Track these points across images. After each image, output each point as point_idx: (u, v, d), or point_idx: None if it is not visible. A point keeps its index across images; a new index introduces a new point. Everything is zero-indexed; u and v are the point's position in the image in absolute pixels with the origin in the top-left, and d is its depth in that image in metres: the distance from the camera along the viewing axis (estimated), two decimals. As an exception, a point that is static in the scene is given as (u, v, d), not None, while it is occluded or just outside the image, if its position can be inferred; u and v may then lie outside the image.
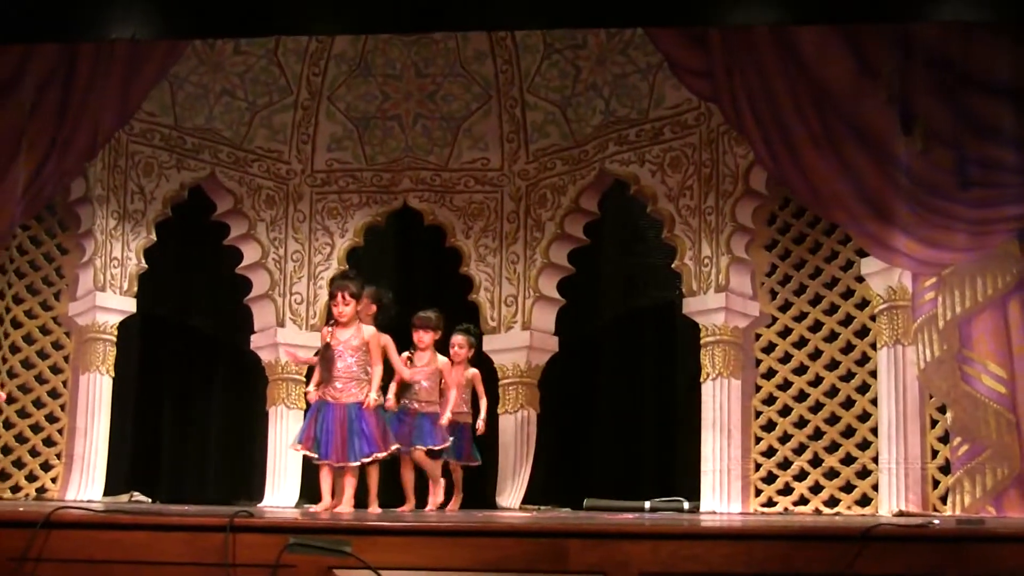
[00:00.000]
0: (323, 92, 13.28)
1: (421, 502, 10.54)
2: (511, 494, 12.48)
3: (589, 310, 13.04)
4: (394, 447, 9.38)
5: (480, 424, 11.17)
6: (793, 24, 9.95)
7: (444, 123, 13.33)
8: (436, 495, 10.40)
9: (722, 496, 11.11)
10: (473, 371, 11.25)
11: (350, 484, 8.90)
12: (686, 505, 11.34)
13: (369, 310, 9.57)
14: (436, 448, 10.24)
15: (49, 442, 11.95)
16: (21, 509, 6.37)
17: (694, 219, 11.70)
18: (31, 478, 11.75)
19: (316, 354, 9.44)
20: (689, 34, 10.96)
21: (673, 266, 11.84)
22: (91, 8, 9.82)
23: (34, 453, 11.78)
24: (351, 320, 8.97)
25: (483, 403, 11.27)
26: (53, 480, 11.89)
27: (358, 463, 8.83)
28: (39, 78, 11.08)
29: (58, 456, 11.96)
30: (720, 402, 11.31)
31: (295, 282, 13.19)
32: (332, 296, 9.14)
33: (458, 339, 11.07)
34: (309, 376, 9.76)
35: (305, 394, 9.48)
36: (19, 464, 11.40)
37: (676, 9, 9.68)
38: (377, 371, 8.97)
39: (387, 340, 9.59)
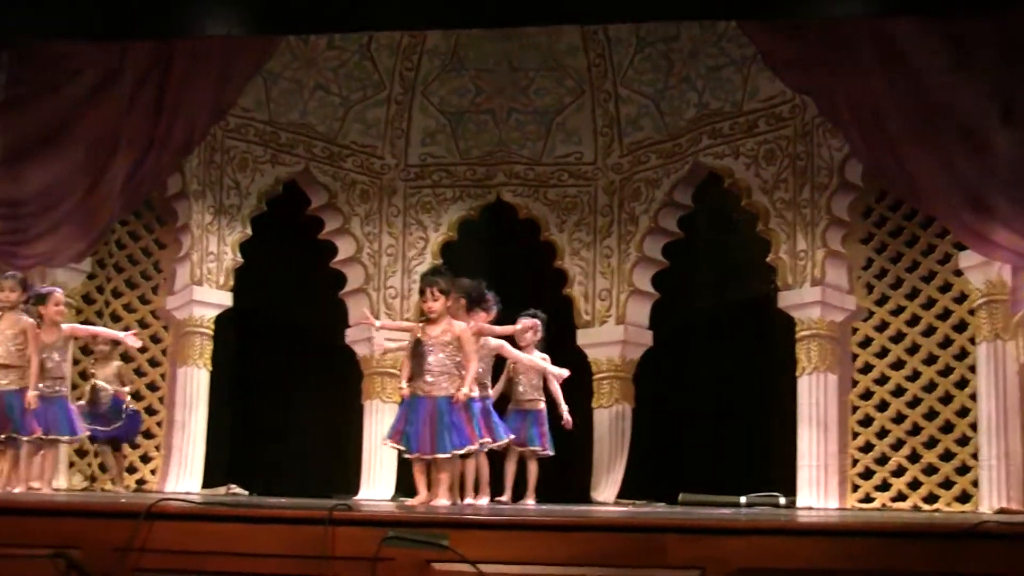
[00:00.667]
0: (416, 87, 13.35)
1: (518, 495, 10.54)
2: (606, 488, 12.47)
3: (683, 304, 13.03)
4: (485, 440, 9.36)
5: (567, 416, 10.79)
6: (888, 16, 9.83)
7: (537, 117, 13.35)
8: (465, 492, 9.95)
9: (819, 492, 11.04)
10: (543, 356, 10.91)
11: (445, 477, 8.89)
12: (782, 500, 11.29)
13: (459, 304, 9.53)
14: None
15: (148, 435, 12.13)
16: (123, 501, 6.44)
17: (789, 212, 11.63)
18: (131, 470, 11.91)
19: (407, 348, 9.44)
20: (784, 26, 10.85)
21: (768, 260, 11.77)
22: (187, 5, 9.92)
23: (133, 445, 11.90)
24: (441, 316, 8.96)
25: (558, 395, 10.80)
26: (152, 472, 12.08)
27: (448, 456, 8.81)
28: (137, 75, 11.23)
29: (157, 448, 12.14)
30: (816, 397, 11.24)
31: (389, 276, 13.27)
32: (422, 292, 9.12)
33: (527, 322, 10.70)
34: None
35: (400, 390, 9.49)
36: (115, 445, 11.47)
37: (770, 3, 9.63)
38: (472, 367, 8.94)
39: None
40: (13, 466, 9.55)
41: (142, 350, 11.84)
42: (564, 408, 10.77)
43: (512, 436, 9.88)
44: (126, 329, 11.25)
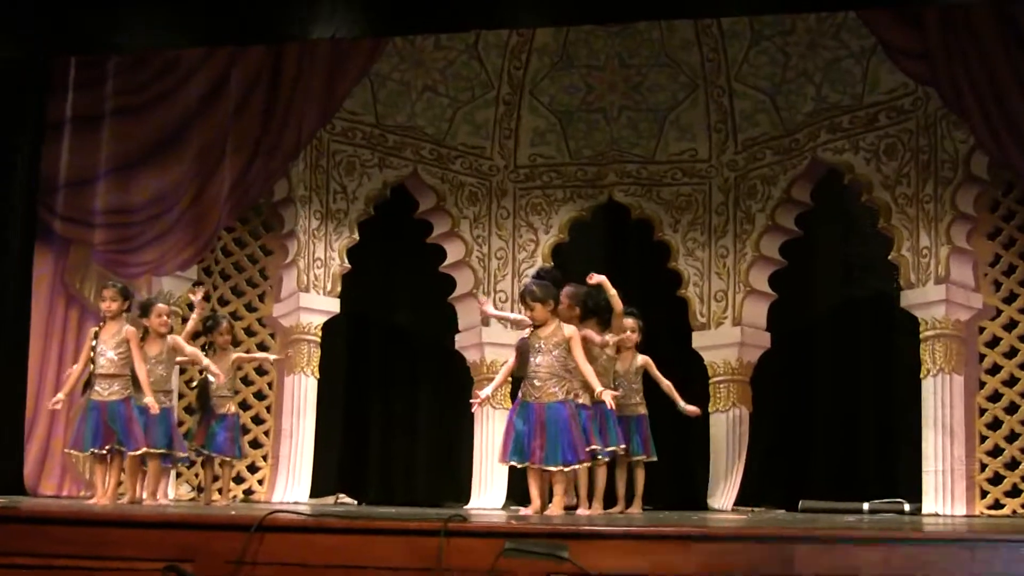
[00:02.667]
0: (525, 86, 13.31)
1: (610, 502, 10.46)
2: (723, 495, 12.35)
3: (802, 304, 12.84)
4: (595, 450, 9.29)
5: (687, 408, 10.62)
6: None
7: (650, 114, 13.24)
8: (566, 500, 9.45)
9: (945, 498, 10.86)
10: (644, 358, 10.71)
11: (559, 483, 8.86)
12: (907, 507, 11.12)
13: (572, 312, 9.45)
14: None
15: (256, 444, 12.17)
16: (233, 513, 6.47)
17: (912, 208, 11.48)
18: (238, 480, 11.92)
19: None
20: (904, 14, 10.72)
21: (890, 257, 11.62)
22: (294, 9, 10.01)
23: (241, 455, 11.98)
24: (546, 320, 8.92)
25: (671, 388, 10.64)
26: (260, 482, 12.12)
27: (558, 470, 8.77)
28: (244, 81, 11.37)
29: (264, 458, 12.19)
30: (942, 399, 11.07)
31: (499, 280, 13.24)
32: (521, 302, 9.12)
33: (628, 322, 10.36)
34: (516, 382, 9.67)
35: (476, 397, 9.47)
36: (223, 464, 11.49)
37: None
38: (588, 369, 8.88)
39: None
40: (122, 478, 9.64)
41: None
42: (681, 402, 10.63)
43: (624, 445, 9.84)
44: (233, 334, 11.27)
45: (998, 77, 10.06)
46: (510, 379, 10.07)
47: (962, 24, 10.26)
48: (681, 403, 10.64)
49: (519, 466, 8.91)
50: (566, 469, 8.75)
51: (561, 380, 8.76)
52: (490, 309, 10.95)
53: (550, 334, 8.86)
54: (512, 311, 12.72)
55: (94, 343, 9.55)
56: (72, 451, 9.87)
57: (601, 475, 9.91)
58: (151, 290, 11.16)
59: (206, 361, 10.17)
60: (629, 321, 10.32)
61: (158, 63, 11.35)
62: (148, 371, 9.58)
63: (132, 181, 11.22)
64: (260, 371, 12.23)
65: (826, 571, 4.88)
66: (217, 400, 10.40)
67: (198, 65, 11.34)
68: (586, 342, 9.26)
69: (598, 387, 8.77)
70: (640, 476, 10.62)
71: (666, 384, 10.65)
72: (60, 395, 9.77)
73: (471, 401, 9.68)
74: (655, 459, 10.62)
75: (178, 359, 10.42)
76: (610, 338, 9.70)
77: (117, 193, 11.21)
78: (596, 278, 9.61)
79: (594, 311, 9.65)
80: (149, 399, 9.38)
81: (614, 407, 9.20)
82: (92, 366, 9.55)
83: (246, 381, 12.06)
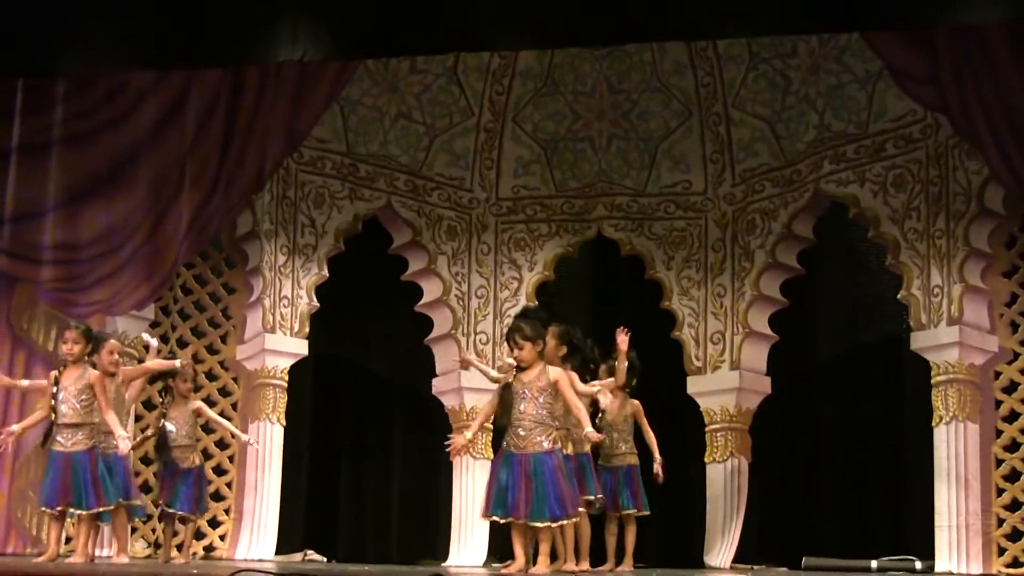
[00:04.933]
0: (508, 113, 13.25)
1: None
2: (721, 552, 12.23)
3: (805, 347, 12.76)
4: (591, 499, 9.20)
5: (658, 468, 10.47)
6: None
7: (641, 143, 13.19)
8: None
9: (960, 555, 10.75)
10: (634, 403, 10.60)
11: (545, 540, 8.72)
12: (918, 565, 11.03)
13: (559, 351, 9.33)
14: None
15: (217, 496, 11.98)
16: (195, 572, 6.36)
17: (922, 244, 11.39)
18: (199, 535, 11.73)
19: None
20: (913, 37, 10.64)
21: (899, 297, 11.54)
22: (257, 30, 9.89)
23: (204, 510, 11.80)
24: (534, 363, 8.81)
25: (653, 441, 10.58)
26: (222, 538, 11.97)
27: (545, 525, 8.65)
28: (203, 106, 11.24)
29: (227, 512, 12.03)
30: (956, 449, 10.95)
31: (480, 320, 13.14)
32: (507, 341, 8.99)
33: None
34: (498, 431, 9.47)
35: (456, 441, 9.29)
36: (184, 520, 11.31)
37: (897, 8, 9.40)
38: (579, 410, 8.75)
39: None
40: (87, 535, 9.45)
41: (209, 403, 11.74)
42: (658, 459, 10.48)
43: (601, 496, 9.71)
44: (195, 382, 11.18)
45: (1013, 103, 9.96)
46: (491, 427, 9.95)
47: (975, 46, 10.17)
48: (656, 460, 10.47)
49: (502, 521, 8.77)
50: (554, 525, 8.62)
51: (547, 428, 8.61)
52: (472, 357, 10.88)
53: (534, 378, 8.68)
54: (495, 352, 12.67)
55: (55, 390, 9.34)
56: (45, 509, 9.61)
57: (586, 529, 9.77)
58: (104, 330, 10.98)
59: (164, 363, 10.08)
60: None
61: (108, 86, 11.20)
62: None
63: (82, 214, 11.08)
64: (222, 417, 12.06)
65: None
66: (179, 452, 10.23)
67: (150, 89, 11.19)
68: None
69: (588, 427, 8.64)
70: (631, 531, 10.48)
71: (650, 437, 10.55)
72: (15, 427, 9.57)
73: (447, 448, 9.52)
74: (647, 513, 10.48)
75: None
76: (595, 390, 9.46)
77: (66, 227, 11.07)
78: (621, 341, 9.81)
79: (577, 351, 9.52)
80: (123, 433, 9.15)
81: (597, 442, 8.99)
82: (53, 415, 9.34)
83: (207, 429, 11.76)
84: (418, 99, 13.04)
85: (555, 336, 9.24)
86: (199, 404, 10.68)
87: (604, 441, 9.87)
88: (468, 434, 9.19)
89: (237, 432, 10.98)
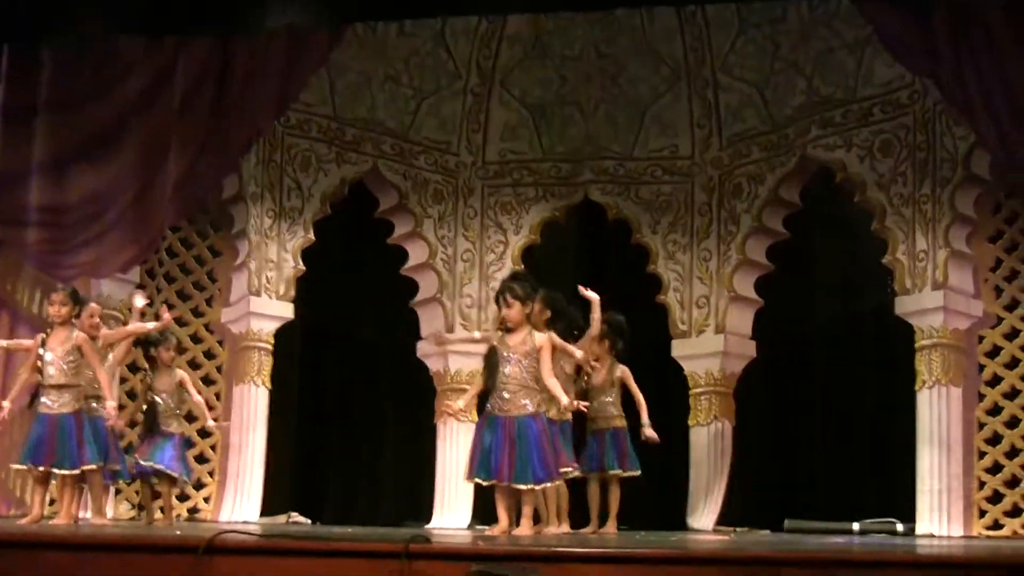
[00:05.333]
0: (495, 77, 13.26)
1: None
2: (704, 514, 12.30)
3: (790, 312, 12.82)
4: (569, 469, 9.24)
5: (648, 430, 10.51)
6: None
7: (628, 108, 13.22)
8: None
9: (941, 518, 10.82)
10: (622, 368, 10.67)
11: (528, 503, 8.75)
12: (900, 528, 11.09)
13: (543, 316, 9.34)
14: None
15: (202, 459, 12.05)
16: (178, 533, 6.38)
17: (908, 209, 11.44)
18: (182, 497, 11.81)
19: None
20: (904, 1, 10.64)
21: (884, 261, 11.58)
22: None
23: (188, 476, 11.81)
24: (520, 325, 8.84)
25: (643, 405, 10.58)
26: (206, 500, 12.01)
27: (529, 488, 8.67)
28: (191, 72, 11.18)
29: (211, 474, 12.07)
30: (939, 413, 11.03)
31: (465, 284, 13.18)
32: (496, 300, 9.00)
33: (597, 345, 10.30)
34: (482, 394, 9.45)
35: (449, 407, 9.34)
36: (163, 477, 11.24)
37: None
38: (551, 383, 8.77)
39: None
40: (72, 497, 9.48)
41: (195, 366, 11.77)
42: (646, 421, 10.51)
43: (575, 466, 9.74)
44: (178, 349, 11.16)
45: (1007, 69, 9.88)
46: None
47: (966, 11, 10.14)
48: (645, 422, 10.49)
49: (485, 484, 8.80)
50: (537, 488, 8.65)
51: (532, 392, 8.62)
52: (447, 337, 10.94)
53: (520, 342, 8.68)
54: (480, 317, 12.71)
55: (41, 351, 9.37)
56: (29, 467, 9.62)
57: (564, 492, 9.84)
58: (89, 294, 10.99)
59: (145, 325, 10.07)
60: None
61: (97, 53, 11.20)
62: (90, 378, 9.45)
63: (69, 177, 11.04)
64: (207, 381, 12.11)
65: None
66: (163, 420, 10.26)
67: (140, 56, 11.17)
68: (560, 353, 9.12)
69: (565, 399, 8.67)
70: (615, 493, 10.55)
71: (639, 399, 10.57)
72: (5, 403, 9.59)
73: (443, 409, 9.56)
74: (637, 473, 10.55)
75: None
76: (581, 355, 9.47)
77: (52, 190, 11.03)
78: (588, 294, 9.61)
79: (562, 316, 9.53)
80: (112, 404, 9.23)
81: (583, 409, 9.00)
82: (39, 376, 9.37)
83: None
84: (405, 63, 13.03)
85: (539, 301, 9.25)
86: (183, 376, 10.65)
87: (592, 404, 9.89)
88: (461, 402, 9.24)
89: (207, 415, 10.87)
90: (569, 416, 9.56)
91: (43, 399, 9.25)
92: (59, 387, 9.21)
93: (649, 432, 10.48)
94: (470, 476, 8.80)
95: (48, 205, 11.08)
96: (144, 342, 10.27)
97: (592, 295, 9.65)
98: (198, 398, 10.77)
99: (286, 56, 11.43)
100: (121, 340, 10.12)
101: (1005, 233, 11.14)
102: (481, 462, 8.64)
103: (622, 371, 10.58)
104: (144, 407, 10.32)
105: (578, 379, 10.27)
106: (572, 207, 13.37)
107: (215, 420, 11.42)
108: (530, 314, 8.79)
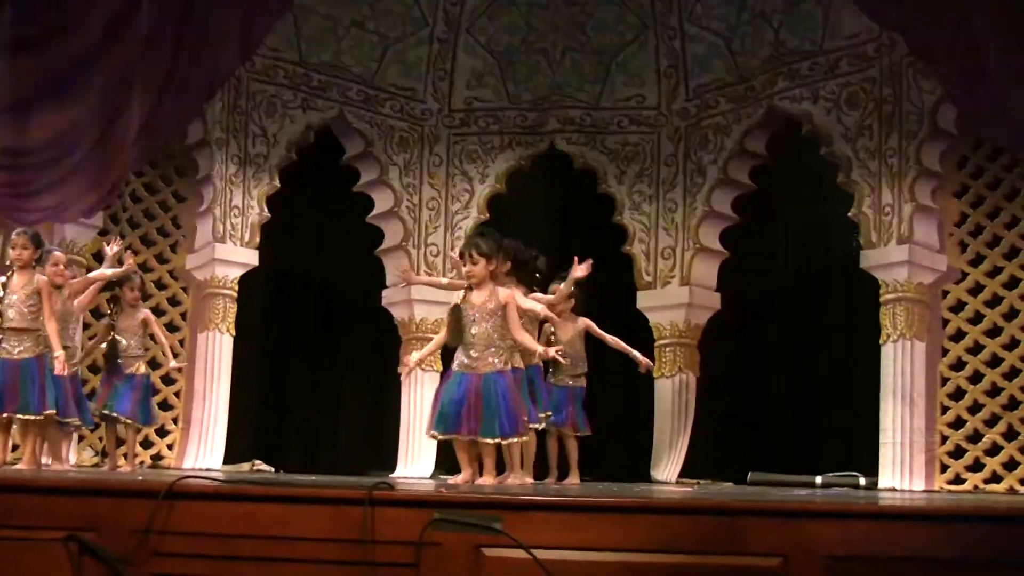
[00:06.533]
0: (461, 24, 13.27)
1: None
2: (667, 466, 12.43)
3: (755, 264, 12.93)
4: (536, 425, 9.29)
5: (642, 359, 10.47)
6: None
7: (595, 57, 13.26)
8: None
9: (903, 472, 10.91)
10: (584, 320, 10.64)
11: (490, 455, 8.78)
12: (862, 481, 11.21)
13: (503, 267, 9.28)
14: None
15: (165, 406, 12.08)
16: (140, 479, 6.41)
17: (874, 162, 11.49)
18: (146, 444, 11.88)
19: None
20: (871, -48, 10.71)
21: (850, 215, 11.62)
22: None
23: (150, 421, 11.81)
24: (483, 281, 8.85)
25: (622, 344, 10.55)
26: (170, 447, 12.06)
27: (495, 443, 8.68)
28: (155, 9, 11.12)
29: (175, 421, 12.11)
30: (902, 367, 11.11)
31: (431, 232, 13.23)
32: (461, 256, 8.96)
33: (558, 287, 10.13)
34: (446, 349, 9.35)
35: (404, 364, 9.38)
36: (127, 425, 11.20)
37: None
38: (523, 337, 8.78)
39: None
40: (35, 442, 9.50)
41: (158, 313, 11.76)
42: (635, 352, 10.52)
43: (549, 413, 9.85)
44: (143, 291, 11.14)
45: (971, 23, 9.90)
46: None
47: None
48: (634, 353, 10.53)
49: (440, 438, 8.85)
50: (504, 442, 8.70)
51: (499, 349, 8.63)
52: (413, 275, 10.91)
53: (484, 300, 8.66)
54: (445, 266, 12.73)
55: (1, 295, 9.38)
56: None
57: (532, 443, 9.83)
58: (52, 239, 10.99)
59: (109, 271, 10.07)
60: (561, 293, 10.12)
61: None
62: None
63: (31, 119, 10.93)
64: (171, 328, 12.12)
65: (778, 545, 4.89)
66: (125, 360, 10.30)
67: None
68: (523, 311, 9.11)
69: (539, 348, 8.72)
70: (573, 444, 10.63)
71: (613, 340, 10.59)
72: None
73: (399, 368, 9.63)
74: (589, 433, 10.61)
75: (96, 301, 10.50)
76: (541, 308, 9.38)
77: (13, 132, 10.94)
78: (578, 273, 9.69)
79: (523, 265, 9.54)
80: (59, 353, 9.21)
81: (560, 359, 9.01)
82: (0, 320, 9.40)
83: (155, 339, 11.83)
84: (372, 8, 13.04)
85: (502, 252, 9.24)
86: (147, 313, 10.70)
87: (559, 360, 9.36)
88: (416, 355, 9.26)
89: (169, 355, 10.96)
90: (536, 361, 9.53)
91: (3, 344, 9.29)
92: (19, 331, 9.24)
93: (644, 360, 10.53)
94: (430, 431, 8.84)
95: (10, 148, 10.98)
96: (108, 283, 10.29)
97: (581, 271, 9.69)
98: (162, 337, 10.83)
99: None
100: (86, 287, 10.14)
101: (971, 188, 11.21)
102: (440, 417, 8.68)
103: (584, 323, 10.61)
104: (105, 346, 10.38)
105: (541, 334, 10.27)
106: (538, 156, 13.44)
107: (179, 367, 11.46)
108: (494, 271, 8.79)
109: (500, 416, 8.50)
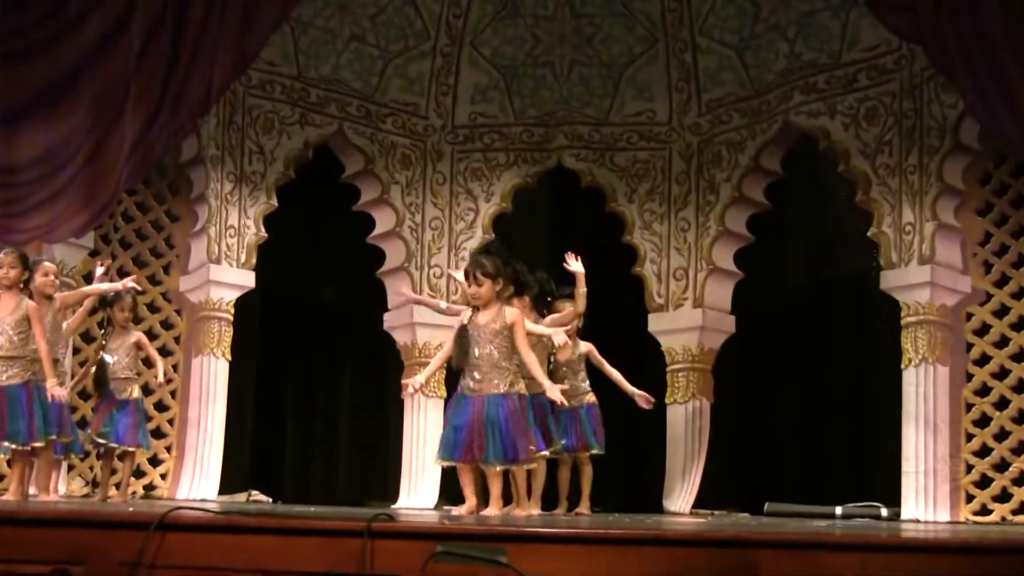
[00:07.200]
0: (465, 36, 13.25)
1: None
2: (681, 496, 12.34)
3: (771, 285, 12.91)
4: (545, 453, 9.23)
5: (638, 393, 10.40)
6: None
7: (604, 70, 13.23)
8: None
9: (927, 502, 10.82)
10: (587, 345, 10.59)
11: (495, 483, 8.75)
12: (884, 512, 11.14)
13: (508, 291, 9.24)
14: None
15: (159, 433, 12.00)
16: (131, 510, 6.38)
17: (893, 179, 11.44)
18: (139, 474, 11.77)
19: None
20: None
21: (869, 234, 11.57)
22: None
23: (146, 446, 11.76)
24: (490, 302, 8.85)
25: (619, 376, 10.51)
26: (163, 476, 11.99)
27: (497, 468, 8.65)
28: (147, 23, 11.12)
29: (168, 449, 12.05)
30: (924, 392, 11.03)
31: (434, 253, 13.19)
32: (465, 276, 8.96)
33: (567, 306, 10.17)
34: (452, 371, 9.33)
35: (405, 386, 9.34)
36: (122, 456, 11.08)
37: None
38: (531, 359, 8.75)
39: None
40: (23, 472, 9.44)
41: (151, 336, 11.71)
42: (631, 388, 10.46)
43: (564, 440, 9.79)
44: (135, 312, 11.10)
45: (991, 36, 9.92)
46: (446, 365, 9.94)
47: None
48: (631, 388, 10.48)
49: (445, 464, 8.82)
50: (512, 467, 8.65)
51: (503, 371, 8.60)
52: (414, 295, 10.88)
53: (490, 320, 8.65)
54: (449, 287, 12.69)
55: None
56: None
57: (540, 471, 9.78)
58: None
59: (105, 286, 10.03)
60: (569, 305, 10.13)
61: (46, 2, 11.13)
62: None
63: (20, 135, 10.92)
64: (164, 352, 12.03)
65: (795, 580, 4.86)
66: (117, 384, 10.26)
67: (92, 5, 11.13)
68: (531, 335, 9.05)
69: (546, 382, 8.68)
70: (587, 472, 10.52)
71: (611, 371, 10.55)
72: None
73: (404, 390, 9.60)
74: (601, 453, 10.45)
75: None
76: (552, 332, 9.32)
77: (3, 148, 10.94)
78: (573, 267, 9.69)
79: (526, 287, 9.50)
80: (52, 381, 9.12)
81: (564, 403, 9.01)
82: None
83: (148, 363, 11.61)
84: (372, 21, 13.00)
85: (509, 274, 9.21)
86: (139, 335, 10.68)
87: (561, 383, 9.44)
88: (420, 377, 9.22)
89: (162, 374, 10.90)
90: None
91: None
92: (7, 358, 9.14)
93: (640, 394, 10.44)
94: (439, 458, 8.81)
95: (-1, 165, 11.04)
96: (99, 302, 10.26)
97: (577, 267, 9.68)
98: (158, 359, 10.79)
99: (244, 8, 11.38)
100: (79, 301, 10.11)
101: (995, 205, 11.14)
102: (443, 442, 8.66)
103: (587, 348, 10.54)
104: (94, 368, 10.34)
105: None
106: (545, 173, 13.41)
107: (168, 381, 11.43)
108: (501, 291, 8.77)
109: (504, 442, 8.46)
